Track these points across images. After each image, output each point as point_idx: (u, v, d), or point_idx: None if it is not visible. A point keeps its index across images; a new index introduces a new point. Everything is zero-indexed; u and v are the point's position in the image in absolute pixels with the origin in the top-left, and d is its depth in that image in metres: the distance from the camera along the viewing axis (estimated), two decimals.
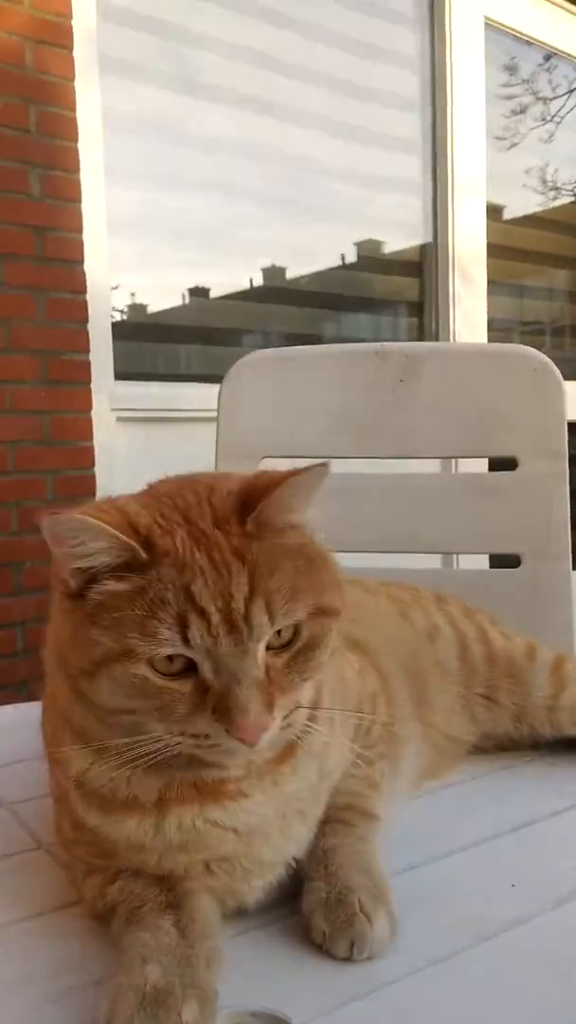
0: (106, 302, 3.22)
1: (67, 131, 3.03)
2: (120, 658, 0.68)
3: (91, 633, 0.69)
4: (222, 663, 0.67)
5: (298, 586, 0.70)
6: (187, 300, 3.75)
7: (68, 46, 3.01)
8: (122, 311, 3.52)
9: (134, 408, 3.28)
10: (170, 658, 0.67)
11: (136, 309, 3.60)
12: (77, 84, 3.04)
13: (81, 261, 3.07)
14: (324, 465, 0.71)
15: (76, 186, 3.06)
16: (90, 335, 3.09)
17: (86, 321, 3.08)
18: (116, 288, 3.35)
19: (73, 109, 3.04)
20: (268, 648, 0.70)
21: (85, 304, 3.07)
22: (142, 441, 3.25)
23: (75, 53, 3.03)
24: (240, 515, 0.71)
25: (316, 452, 1.66)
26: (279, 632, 0.70)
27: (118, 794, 0.76)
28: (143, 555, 0.68)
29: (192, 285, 3.75)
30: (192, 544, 0.69)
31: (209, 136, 3.58)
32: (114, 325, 3.26)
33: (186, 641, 0.66)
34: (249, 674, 0.67)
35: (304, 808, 0.80)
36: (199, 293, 3.77)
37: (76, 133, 3.05)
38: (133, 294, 3.57)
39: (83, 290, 3.07)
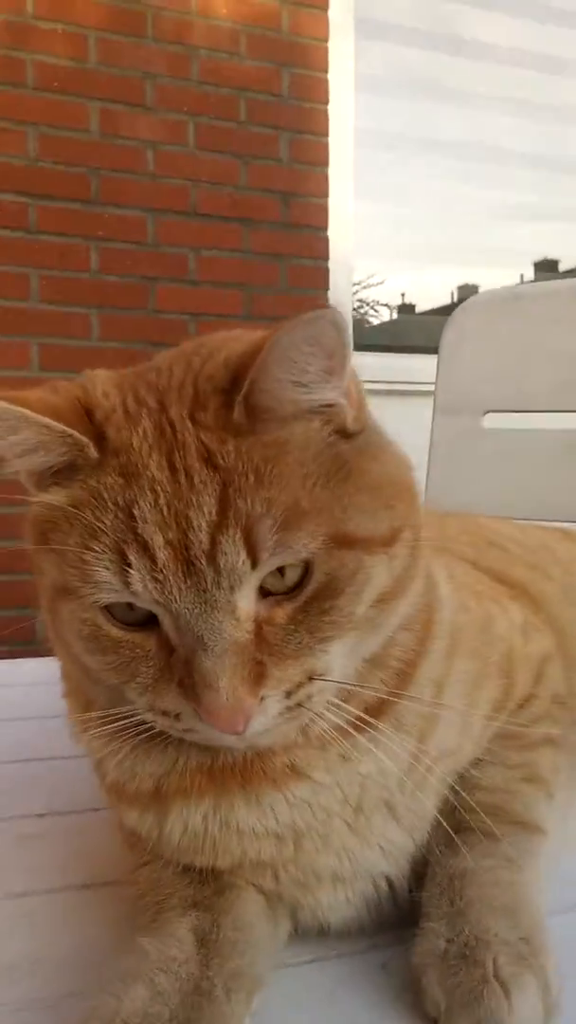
0: (348, 270, 3.13)
1: (318, 93, 2.97)
2: (64, 595, 0.52)
3: (39, 557, 0.54)
4: (183, 619, 0.49)
5: (306, 504, 0.49)
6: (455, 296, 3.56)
7: (324, 6, 2.95)
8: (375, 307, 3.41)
9: (374, 380, 3.16)
10: (129, 603, 0.50)
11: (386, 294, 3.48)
12: (331, 45, 2.97)
13: (325, 228, 3.00)
14: (331, 308, 0.50)
15: (324, 150, 3.00)
16: (331, 303, 3.01)
17: (327, 289, 3.01)
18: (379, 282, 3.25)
19: (325, 71, 2.97)
20: (266, 594, 0.50)
21: (327, 271, 3.01)
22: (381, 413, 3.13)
23: (330, 14, 2.97)
24: (226, 396, 0.51)
25: (547, 406, 1.45)
26: (281, 572, 0.50)
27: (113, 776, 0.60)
28: (92, 452, 0.51)
29: (457, 273, 3.56)
30: (153, 440, 0.50)
31: (468, 94, 3.37)
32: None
33: (127, 585, 0.49)
34: (219, 635, 0.48)
35: (393, 799, 0.58)
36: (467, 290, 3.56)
37: (327, 95, 2.98)
38: (403, 294, 3.45)
39: (326, 257, 3.00)
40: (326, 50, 2.97)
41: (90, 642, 0.52)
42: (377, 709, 0.56)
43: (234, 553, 0.48)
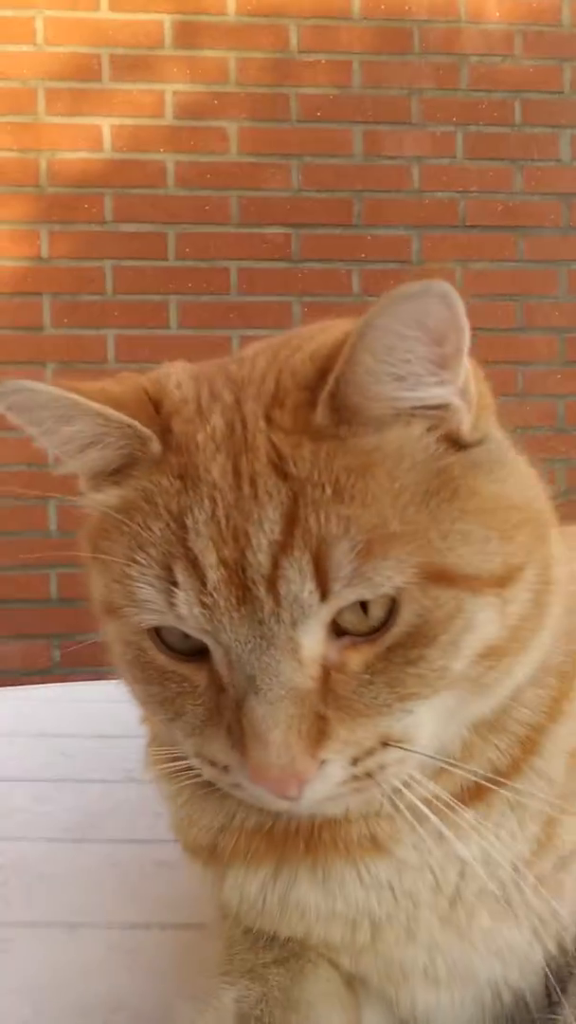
0: None
1: None
2: (110, 614, 0.45)
3: (91, 567, 0.47)
4: (234, 653, 0.41)
5: (396, 526, 0.40)
6: None
7: None
8: None
9: None
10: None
11: None
12: None
13: None
14: (439, 281, 0.38)
15: None
16: None
17: None
18: None
19: None
20: (341, 633, 0.40)
21: None
22: None
23: None
24: (310, 393, 0.42)
25: None
26: (364, 608, 0.40)
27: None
28: (156, 447, 0.43)
29: None
30: (221, 439, 0.42)
31: None
32: None
33: (173, 607, 0.41)
34: (275, 678, 0.40)
35: (507, 894, 0.46)
36: None
37: None
38: None
39: None
40: None
41: (135, 669, 0.45)
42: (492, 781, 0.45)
43: (299, 581, 0.40)
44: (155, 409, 0.45)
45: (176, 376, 0.47)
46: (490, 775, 0.46)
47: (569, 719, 0.48)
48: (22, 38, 2.61)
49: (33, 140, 2.64)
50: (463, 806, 0.44)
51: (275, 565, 0.39)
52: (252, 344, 0.51)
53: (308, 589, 0.40)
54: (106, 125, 2.64)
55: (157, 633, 0.43)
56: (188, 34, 2.64)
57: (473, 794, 0.46)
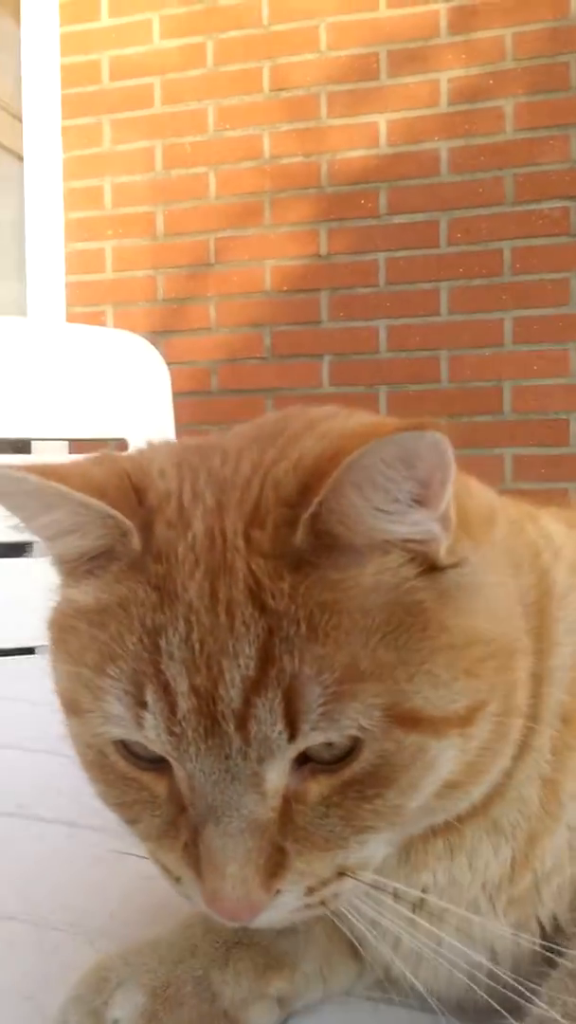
0: None
1: None
2: (73, 711, 0.45)
3: (56, 660, 0.46)
4: (196, 781, 0.41)
5: (365, 666, 0.39)
6: None
7: None
8: None
9: None
10: None
11: None
12: None
13: None
14: (432, 430, 0.38)
15: None
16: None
17: None
18: None
19: None
20: (304, 761, 0.41)
21: None
22: None
23: None
24: (291, 511, 0.41)
25: None
26: (330, 743, 0.40)
27: None
28: (135, 542, 0.42)
29: None
30: (200, 554, 0.41)
31: None
32: None
33: (140, 726, 0.41)
34: (236, 811, 0.40)
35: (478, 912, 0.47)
36: None
37: None
38: None
39: None
40: None
41: (95, 770, 0.46)
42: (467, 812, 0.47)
43: (269, 722, 0.39)
44: (137, 498, 0.43)
45: (160, 462, 0.45)
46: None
47: (536, 752, 0.47)
48: (307, 47, 2.75)
49: (316, 144, 2.76)
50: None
51: (246, 702, 0.39)
52: (240, 428, 0.49)
53: (277, 730, 0.39)
54: (382, 121, 2.70)
55: (120, 741, 0.43)
56: (463, 19, 2.62)
57: (443, 828, 0.46)
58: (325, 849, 0.41)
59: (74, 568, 0.45)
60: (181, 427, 2.65)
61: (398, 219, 2.68)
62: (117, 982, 0.47)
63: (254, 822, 0.40)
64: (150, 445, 0.49)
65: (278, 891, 0.41)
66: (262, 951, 0.50)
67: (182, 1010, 0.46)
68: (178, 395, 2.78)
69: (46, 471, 0.41)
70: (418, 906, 0.47)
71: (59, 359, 1.71)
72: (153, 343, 2.78)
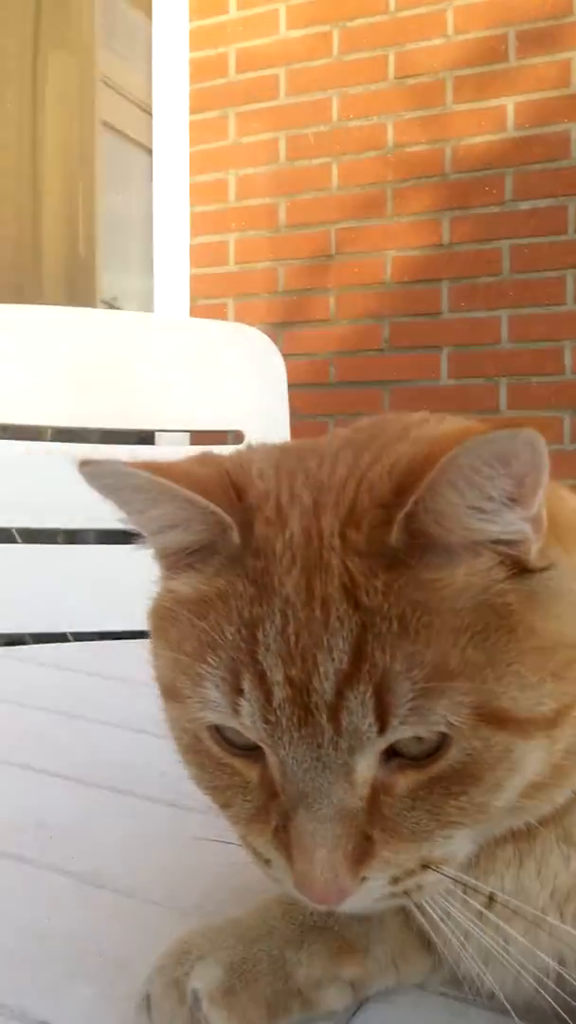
0: None
1: None
2: (172, 697, 0.46)
3: (156, 647, 0.48)
4: (288, 768, 0.42)
5: (454, 664, 0.40)
6: None
7: None
8: None
9: None
10: None
11: None
12: None
13: None
14: (527, 428, 0.38)
15: None
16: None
17: None
18: None
19: None
20: (393, 755, 0.42)
21: None
22: None
23: None
24: (386, 512, 0.42)
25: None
26: (419, 738, 0.41)
27: None
28: (235, 537, 0.43)
29: None
30: (297, 552, 0.42)
31: None
32: None
33: (237, 713, 0.42)
34: (327, 798, 0.41)
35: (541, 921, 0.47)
36: None
37: None
38: None
39: None
40: None
41: (189, 754, 0.48)
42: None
43: (360, 715, 0.40)
44: (237, 497, 0.44)
45: (259, 464, 0.47)
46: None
47: None
48: (433, 32, 2.71)
49: (440, 130, 2.73)
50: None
51: (338, 695, 0.40)
52: (335, 433, 0.51)
53: (368, 723, 0.40)
54: (510, 104, 2.64)
55: (215, 726, 0.44)
56: None
57: (514, 834, 0.46)
58: (411, 841, 0.42)
59: (175, 561, 0.47)
60: (299, 418, 2.67)
61: (524, 205, 2.61)
62: (198, 956, 0.49)
63: (343, 810, 0.41)
64: (250, 447, 0.51)
65: (364, 878, 0.42)
66: (335, 936, 0.51)
67: (257, 985, 0.48)
68: (297, 386, 2.80)
69: (155, 468, 0.43)
70: (487, 906, 0.47)
71: (179, 352, 1.76)
72: (273, 335, 2.82)
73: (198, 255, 2.91)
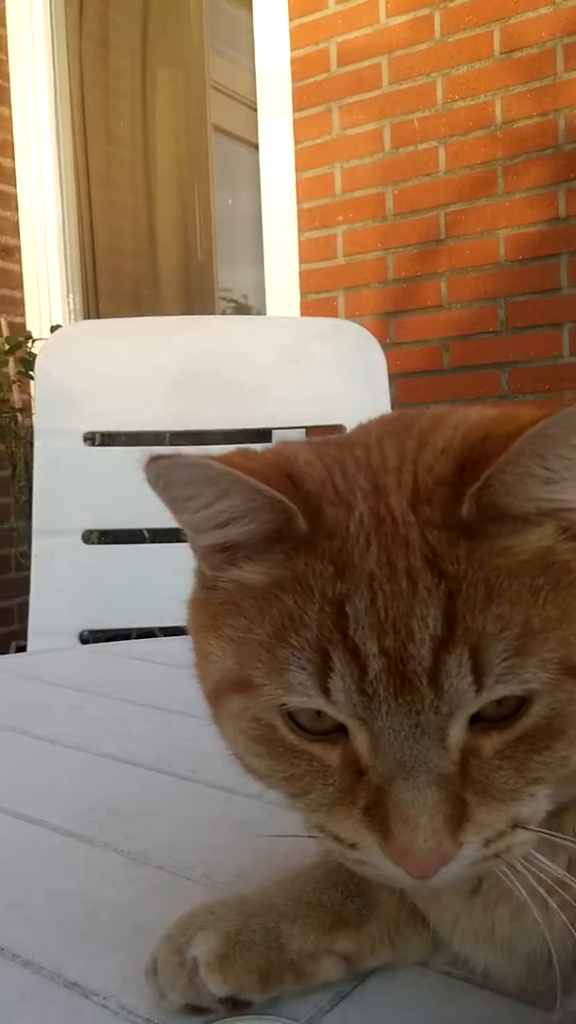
0: None
1: None
2: (240, 688, 0.46)
3: (210, 642, 0.48)
4: (384, 739, 0.42)
5: (537, 624, 0.41)
6: None
7: None
8: None
9: None
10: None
11: None
12: None
13: None
14: None
15: None
16: None
17: None
18: None
19: None
20: (475, 720, 0.43)
21: None
22: None
23: None
24: (454, 490, 0.43)
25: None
26: (499, 700, 0.42)
27: None
28: (302, 524, 0.44)
29: None
30: (371, 529, 0.43)
31: None
32: None
33: (326, 692, 0.42)
34: (425, 764, 0.41)
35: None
36: None
37: None
38: None
39: None
40: None
41: (260, 745, 0.46)
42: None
43: (460, 676, 0.41)
44: (293, 485, 0.45)
45: (302, 455, 0.47)
46: None
47: None
48: (539, 0, 2.64)
49: (551, 101, 2.65)
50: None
51: (436, 659, 0.41)
52: (361, 427, 0.52)
53: (467, 683, 0.41)
54: None
55: (289, 712, 0.44)
56: None
57: None
58: (501, 801, 0.43)
59: (234, 553, 0.47)
60: (412, 407, 2.66)
61: None
62: (198, 926, 0.52)
63: (440, 775, 0.41)
64: (281, 443, 0.52)
65: (461, 843, 0.42)
66: (329, 912, 0.53)
67: (250, 954, 0.51)
68: (409, 375, 2.80)
69: (224, 459, 0.43)
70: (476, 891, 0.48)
71: (280, 350, 1.80)
72: (383, 325, 2.82)
73: (306, 250, 2.95)
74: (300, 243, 2.95)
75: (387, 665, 0.41)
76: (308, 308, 2.92)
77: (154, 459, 0.42)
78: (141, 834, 0.71)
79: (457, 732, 0.42)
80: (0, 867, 0.68)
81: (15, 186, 3.51)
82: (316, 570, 0.43)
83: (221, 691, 0.47)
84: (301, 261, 2.95)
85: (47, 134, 3.48)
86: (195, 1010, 0.50)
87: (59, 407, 1.72)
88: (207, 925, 0.52)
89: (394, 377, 2.76)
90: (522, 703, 0.42)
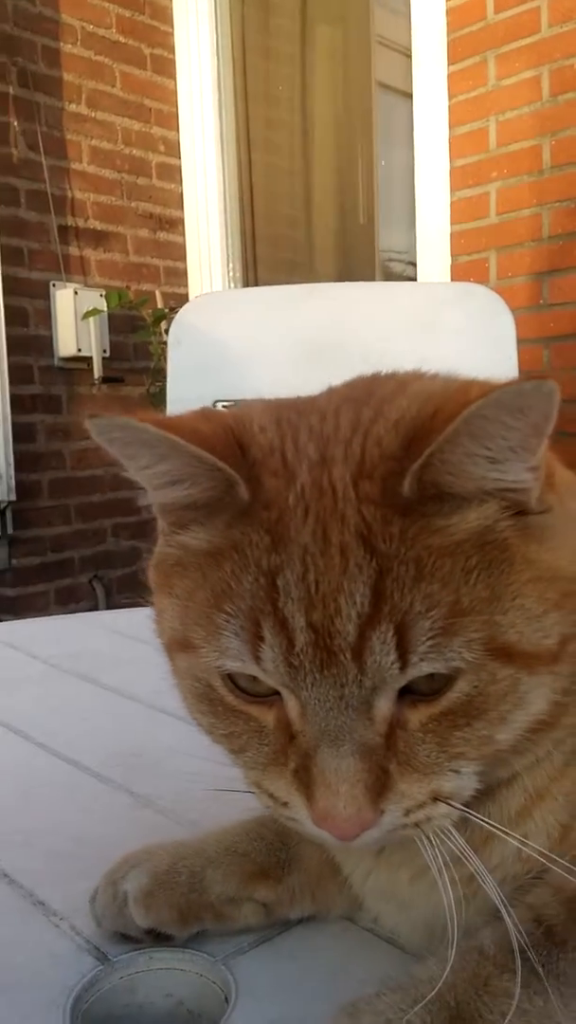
0: None
1: None
2: (183, 647, 0.48)
3: (163, 600, 0.50)
4: (311, 709, 0.44)
5: (466, 603, 0.42)
6: None
7: None
8: None
9: None
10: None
11: None
12: None
13: None
14: (549, 380, 0.41)
15: None
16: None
17: None
18: None
19: None
20: (404, 692, 0.44)
21: None
22: None
23: None
24: (399, 464, 0.43)
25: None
26: (431, 675, 0.43)
27: None
28: (243, 492, 0.45)
29: None
30: (311, 503, 0.44)
31: None
32: None
33: (258, 659, 0.44)
34: (350, 734, 0.43)
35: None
36: None
37: None
38: None
39: None
40: None
41: (202, 703, 0.49)
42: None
43: (383, 653, 0.42)
44: (241, 452, 0.46)
45: (259, 420, 0.48)
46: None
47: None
48: None
49: None
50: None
51: (361, 636, 0.42)
52: (330, 390, 0.52)
53: (390, 660, 0.42)
54: None
55: (229, 675, 0.46)
56: None
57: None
58: (423, 773, 0.45)
59: (181, 516, 0.48)
60: (565, 371, 2.54)
61: None
62: (133, 864, 0.57)
63: (364, 745, 0.43)
64: (246, 403, 0.53)
65: (382, 811, 0.44)
66: (253, 861, 0.57)
67: (172, 893, 0.55)
68: (563, 337, 2.66)
69: (162, 423, 0.45)
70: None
71: (406, 317, 1.78)
72: (536, 285, 2.70)
73: (457, 211, 2.86)
74: (452, 203, 2.86)
75: (314, 639, 0.42)
76: (458, 271, 2.84)
77: (91, 417, 0.44)
78: (153, 780, 0.77)
79: (383, 705, 0.43)
80: (21, 797, 0.76)
81: (179, 158, 3.61)
82: (253, 540, 0.44)
83: (171, 648, 0.50)
84: (452, 222, 2.87)
85: (210, 104, 3.54)
86: (125, 938, 0.56)
87: (190, 376, 1.78)
88: (141, 864, 0.57)
89: (548, 340, 2.65)
90: (448, 682, 0.43)
